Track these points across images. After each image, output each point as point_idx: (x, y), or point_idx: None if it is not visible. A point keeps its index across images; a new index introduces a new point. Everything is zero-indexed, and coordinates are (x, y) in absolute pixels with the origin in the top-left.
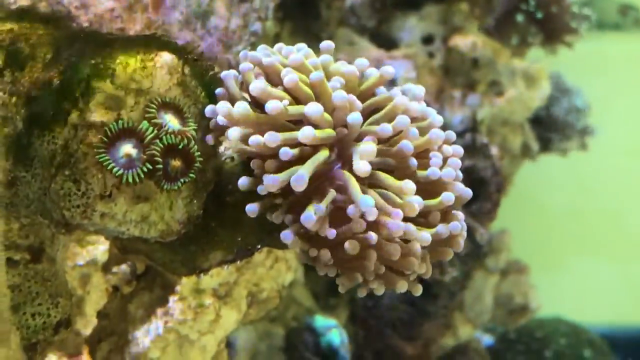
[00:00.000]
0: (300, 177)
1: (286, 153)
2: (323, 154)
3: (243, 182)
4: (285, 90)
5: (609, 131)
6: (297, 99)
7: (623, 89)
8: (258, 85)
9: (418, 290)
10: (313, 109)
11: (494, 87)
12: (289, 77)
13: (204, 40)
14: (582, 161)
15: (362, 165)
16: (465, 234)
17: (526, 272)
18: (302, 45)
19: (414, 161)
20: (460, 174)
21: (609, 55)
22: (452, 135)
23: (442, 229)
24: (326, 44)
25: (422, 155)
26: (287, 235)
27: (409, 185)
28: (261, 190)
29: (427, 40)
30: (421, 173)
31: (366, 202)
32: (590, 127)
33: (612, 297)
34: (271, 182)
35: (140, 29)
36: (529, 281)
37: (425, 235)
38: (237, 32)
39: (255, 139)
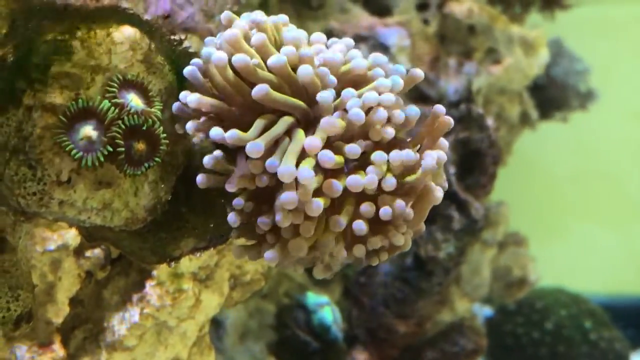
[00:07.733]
0: (256, 145)
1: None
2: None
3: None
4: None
5: (610, 95)
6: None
7: (625, 52)
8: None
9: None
10: (275, 59)
11: (491, 55)
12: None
13: (184, 10)
14: (583, 126)
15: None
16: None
17: (525, 244)
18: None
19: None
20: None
21: (611, 18)
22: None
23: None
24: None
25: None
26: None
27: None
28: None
29: (422, 6)
30: None
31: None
32: (592, 92)
33: (613, 266)
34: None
35: None
36: (528, 253)
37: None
38: (219, 0)
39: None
